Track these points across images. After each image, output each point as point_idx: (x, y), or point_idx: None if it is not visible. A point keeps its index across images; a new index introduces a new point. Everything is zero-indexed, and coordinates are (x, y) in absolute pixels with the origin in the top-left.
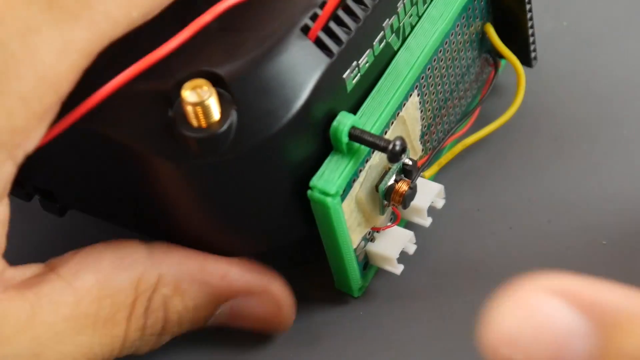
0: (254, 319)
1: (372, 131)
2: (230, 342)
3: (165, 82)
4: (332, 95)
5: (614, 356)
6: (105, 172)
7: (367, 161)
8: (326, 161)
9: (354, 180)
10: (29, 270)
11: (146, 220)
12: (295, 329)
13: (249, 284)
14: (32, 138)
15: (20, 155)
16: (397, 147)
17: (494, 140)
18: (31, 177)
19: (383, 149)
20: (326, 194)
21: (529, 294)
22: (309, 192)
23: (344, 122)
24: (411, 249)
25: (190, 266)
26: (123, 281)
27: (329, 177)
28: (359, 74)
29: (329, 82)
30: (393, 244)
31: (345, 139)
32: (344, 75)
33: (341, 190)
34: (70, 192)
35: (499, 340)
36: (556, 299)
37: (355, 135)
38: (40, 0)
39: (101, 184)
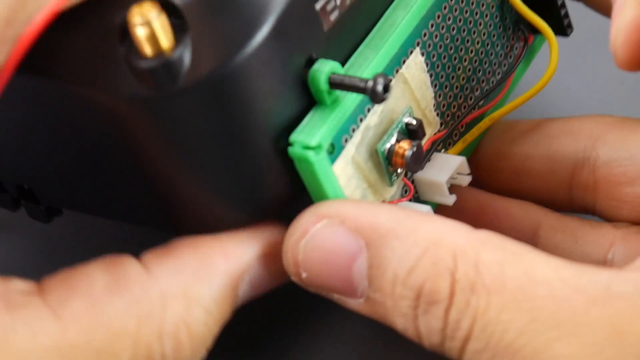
0: (279, 276)
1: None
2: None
3: (114, 15)
4: (305, 27)
5: (379, 267)
6: (69, 136)
7: (361, 120)
8: (308, 115)
9: (346, 140)
10: (17, 285)
11: (123, 198)
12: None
13: (252, 251)
14: None
15: None
16: (379, 85)
17: (524, 114)
18: (7, 173)
19: (363, 90)
20: (307, 147)
21: (308, 221)
22: (289, 149)
23: (322, 68)
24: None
25: (190, 265)
26: (118, 306)
27: (311, 130)
28: (337, 11)
29: (300, 8)
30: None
31: (324, 86)
32: (317, 6)
33: (326, 143)
34: (47, 183)
35: (289, 262)
36: (333, 223)
37: (336, 83)
38: None
39: (72, 158)
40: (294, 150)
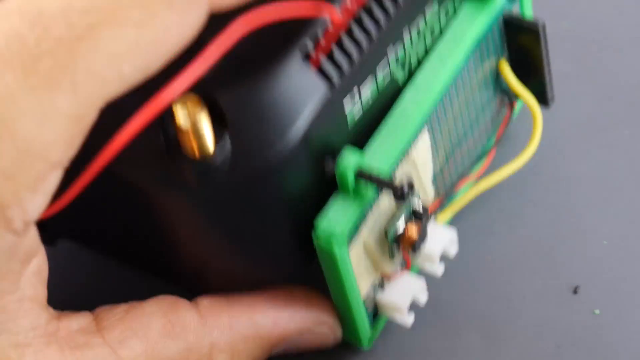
0: (306, 347)
1: (380, 171)
2: None
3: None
4: (333, 127)
5: None
6: (102, 205)
7: (374, 205)
8: (331, 201)
9: (362, 225)
10: (75, 323)
11: (148, 255)
12: None
13: (299, 325)
14: (29, 207)
15: (17, 224)
16: (405, 186)
17: (509, 184)
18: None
19: (390, 188)
20: (331, 236)
21: None
22: (313, 234)
23: (350, 160)
24: (422, 298)
25: (242, 324)
26: (172, 352)
27: (334, 218)
28: (361, 109)
29: (330, 112)
30: (403, 293)
31: (351, 178)
32: (345, 106)
33: (347, 232)
34: (66, 224)
35: None
36: None
37: (362, 175)
38: (15, 69)
39: (100, 215)
40: (318, 236)
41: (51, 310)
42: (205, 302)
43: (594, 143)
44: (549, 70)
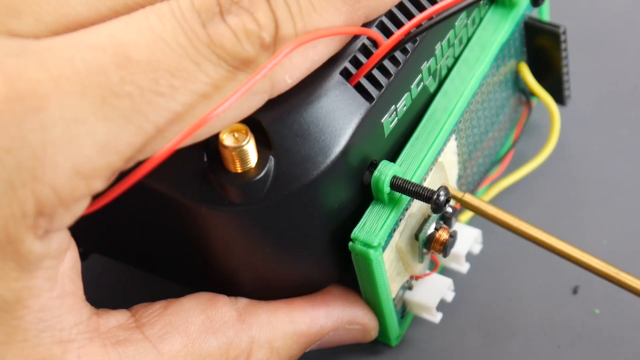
0: (339, 344)
1: (413, 179)
2: None
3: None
4: (370, 140)
5: None
6: (139, 219)
7: (406, 209)
8: (367, 211)
9: (394, 230)
10: (114, 319)
11: (184, 267)
12: None
13: (336, 322)
14: (59, 223)
15: (42, 235)
16: (442, 197)
17: (529, 181)
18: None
19: (427, 199)
20: (369, 246)
21: None
22: (350, 244)
23: (385, 171)
24: (449, 296)
25: (280, 322)
26: (212, 347)
27: (371, 228)
28: (396, 118)
29: (368, 127)
30: (432, 292)
31: (387, 189)
32: (382, 120)
33: (383, 242)
34: (98, 240)
35: None
36: None
37: (397, 185)
38: (94, 93)
39: (136, 232)
40: (355, 247)
41: (90, 306)
42: (243, 300)
43: (594, 143)
44: (567, 71)
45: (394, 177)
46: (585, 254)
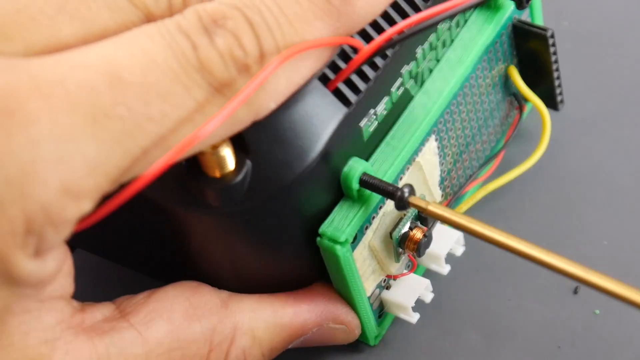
0: (322, 343)
1: (386, 177)
2: None
3: None
4: (349, 144)
5: None
6: (122, 220)
7: (380, 208)
8: (336, 208)
9: (367, 228)
10: (99, 313)
11: (166, 267)
12: None
13: (319, 318)
14: (48, 243)
15: (33, 254)
16: (405, 194)
17: (517, 185)
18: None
19: (391, 196)
20: (335, 241)
21: None
22: (318, 239)
23: (355, 167)
24: (428, 297)
25: (263, 311)
26: (196, 332)
27: (339, 224)
28: (376, 122)
29: (346, 131)
30: (408, 292)
31: (355, 185)
32: (361, 124)
33: (351, 238)
34: (84, 237)
35: None
36: None
37: (365, 182)
38: (85, 112)
39: (119, 231)
40: (323, 242)
41: (74, 302)
42: (226, 292)
43: (593, 143)
44: (558, 76)
45: (364, 173)
46: (567, 262)
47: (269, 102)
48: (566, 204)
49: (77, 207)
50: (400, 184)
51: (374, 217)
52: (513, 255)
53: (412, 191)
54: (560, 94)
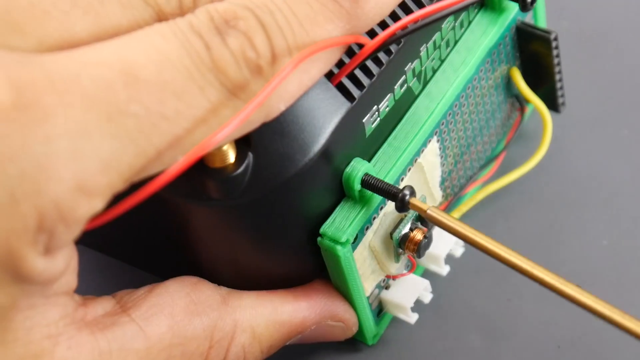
0: (320, 339)
1: (387, 178)
2: None
3: None
4: (351, 140)
5: None
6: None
7: (381, 208)
8: (338, 208)
9: (367, 228)
10: (100, 307)
11: (165, 261)
12: None
13: (318, 315)
14: (58, 241)
15: (43, 252)
16: (406, 197)
17: (518, 186)
18: None
19: (392, 198)
20: (336, 242)
21: None
22: (319, 239)
23: (357, 168)
24: (427, 297)
25: (263, 308)
26: (197, 329)
27: (340, 224)
28: (378, 119)
29: (348, 126)
30: (407, 293)
31: (357, 186)
32: (364, 120)
33: (352, 238)
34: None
35: None
36: None
37: (367, 182)
38: (100, 110)
39: (118, 224)
40: (323, 242)
41: (77, 297)
42: (226, 288)
43: (594, 143)
44: (560, 78)
45: (366, 174)
46: (561, 280)
47: (280, 104)
48: (566, 204)
49: (89, 205)
50: (402, 185)
51: (374, 218)
52: None
53: (412, 193)
54: (562, 95)
